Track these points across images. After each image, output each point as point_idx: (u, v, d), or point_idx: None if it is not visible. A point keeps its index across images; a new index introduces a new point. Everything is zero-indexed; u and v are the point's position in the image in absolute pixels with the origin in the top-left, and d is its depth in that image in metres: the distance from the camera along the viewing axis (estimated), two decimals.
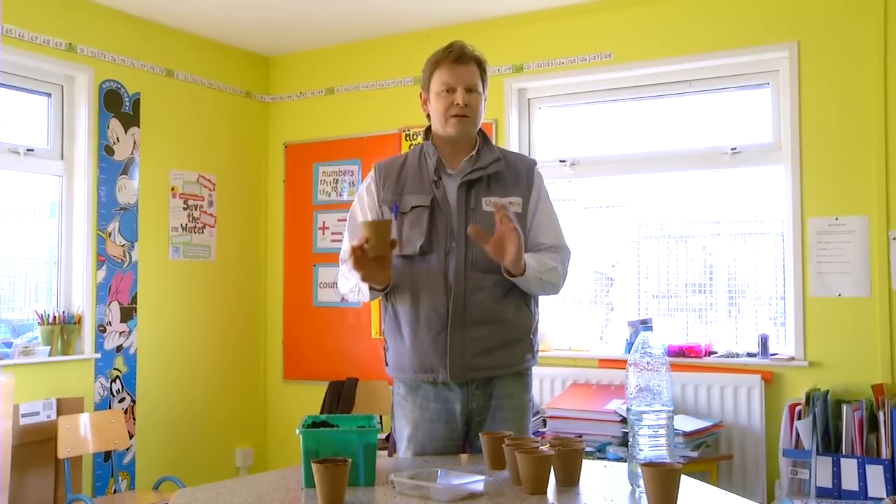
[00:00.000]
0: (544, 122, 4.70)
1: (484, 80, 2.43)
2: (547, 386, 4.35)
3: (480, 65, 2.42)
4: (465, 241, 2.32)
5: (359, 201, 2.49)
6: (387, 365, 2.48)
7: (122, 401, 4.44)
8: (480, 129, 2.49)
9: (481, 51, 2.46)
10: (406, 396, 2.42)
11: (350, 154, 5.09)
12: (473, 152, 2.42)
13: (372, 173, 2.50)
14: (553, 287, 2.41)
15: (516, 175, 2.44)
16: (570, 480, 1.84)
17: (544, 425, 4.08)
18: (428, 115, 2.47)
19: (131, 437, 4.45)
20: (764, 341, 4.03)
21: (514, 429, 2.28)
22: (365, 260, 2.17)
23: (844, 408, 3.58)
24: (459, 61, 2.37)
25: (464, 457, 2.28)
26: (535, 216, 2.42)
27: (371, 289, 2.33)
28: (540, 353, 4.52)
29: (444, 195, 2.37)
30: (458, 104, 2.36)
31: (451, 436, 2.37)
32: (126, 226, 4.50)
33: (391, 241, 2.19)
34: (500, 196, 2.37)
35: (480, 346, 2.32)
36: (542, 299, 2.54)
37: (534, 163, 2.53)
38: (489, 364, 2.34)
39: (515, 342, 2.38)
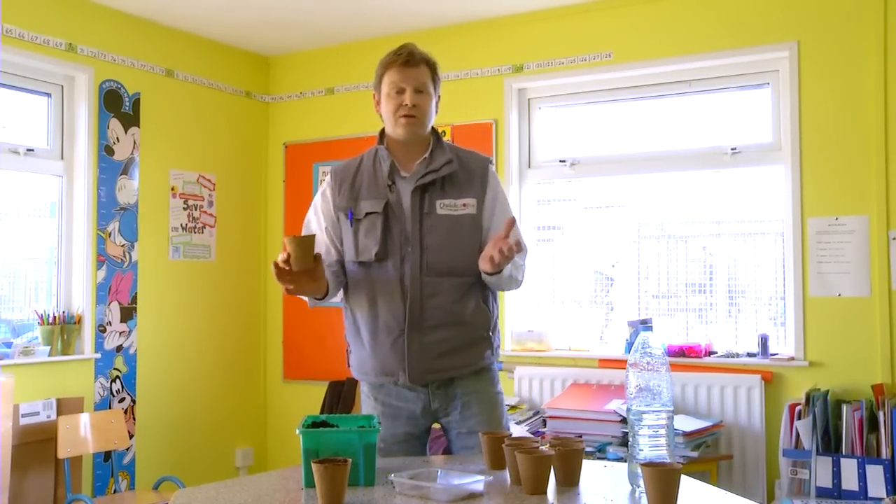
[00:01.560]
0: (544, 122, 4.70)
1: (435, 82, 2.46)
2: (547, 386, 4.35)
3: (431, 66, 2.45)
4: (420, 245, 2.36)
5: (313, 208, 2.52)
6: (349, 366, 2.54)
7: (122, 401, 4.44)
8: (434, 128, 2.51)
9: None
10: (369, 394, 2.49)
11: (350, 154, 5.01)
12: (426, 154, 2.43)
13: (328, 178, 2.53)
14: (517, 283, 2.48)
15: (470, 175, 2.45)
16: (570, 480, 1.84)
17: (544, 425, 4.08)
18: (382, 118, 2.50)
19: (131, 437, 4.45)
20: (764, 341, 4.03)
21: (485, 421, 2.37)
22: (288, 274, 2.19)
23: (844, 408, 3.58)
24: (408, 63, 2.40)
25: (437, 458, 2.30)
26: (493, 216, 2.43)
27: (311, 297, 2.38)
28: (539, 353, 4.57)
29: (398, 199, 2.39)
30: (405, 104, 2.38)
31: (413, 432, 2.44)
32: (126, 226, 4.50)
33: (315, 255, 2.20)
34: (455, 198, 2.40)
35: (440, 349, 2.36)
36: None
37: (488, 161, 2.55)
38: (449, 365, 2.38)
39: (475, 342, 2.42)
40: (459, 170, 2.43)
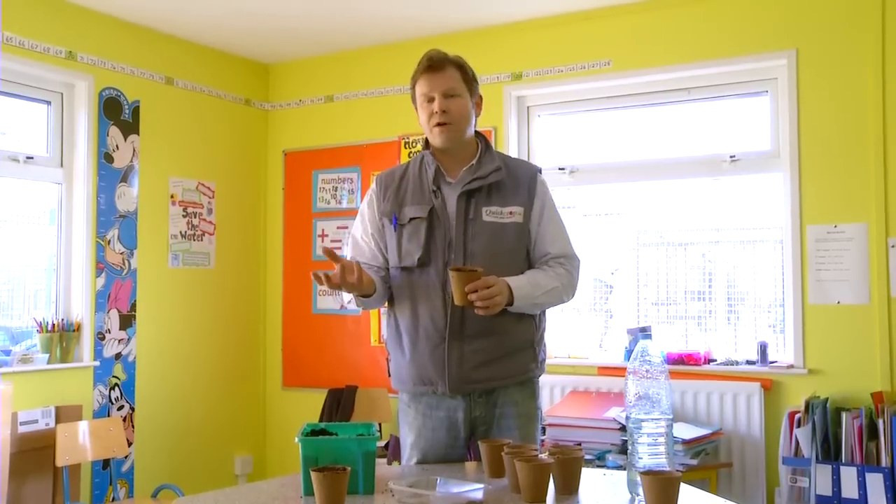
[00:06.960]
0: (543, 130, 4.70)
1: (468, 82, 2.38)
2: (546, 393, 4.34)
3: (460, 67, 2.37)
4: (464, 251, 2.30)
5: (360, 216, 2.48)
6: (389, 375, 2.48)
7: (120, 408, 4.43)
8: (482, 135, 2.45)
9: (467, 57, 2.42)
10: (409, 404, 2.41)
11: (349, 161, 5.09)
12: (474, 161, 2.38)
13: (373, 186, 2.48)
14: (556, 304, 2.41)
15: (517, 183, 2.38)
16: (569, 488, 1.84)
17: (543, 433, 4.07)
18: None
19: (130, 444, 4.44)
20: (763, 349, 4.02)
21: (519, 436, 2.26)
22: (333, 284, 2.20)
23: (844, 415, 3.58)
24: (431, 69, 2.34)
25: (470, 465, 2.27)
26: (540, 225, 2.38)
27: (360, 297, 2.36)
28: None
29: (443, 205, 2.34)
30: (435, 112, 2.33)
31: (453, 444, 2.36)
32: (125, 233, 4.50)
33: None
34: (501, 205, 2.34)
35: (479, 359, 2.29)
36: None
37: (537, 170, 2.48)
38: (489, 376, 2.31)
39: (516, 352, 2.35)
40: (507, 178, 2.37)
